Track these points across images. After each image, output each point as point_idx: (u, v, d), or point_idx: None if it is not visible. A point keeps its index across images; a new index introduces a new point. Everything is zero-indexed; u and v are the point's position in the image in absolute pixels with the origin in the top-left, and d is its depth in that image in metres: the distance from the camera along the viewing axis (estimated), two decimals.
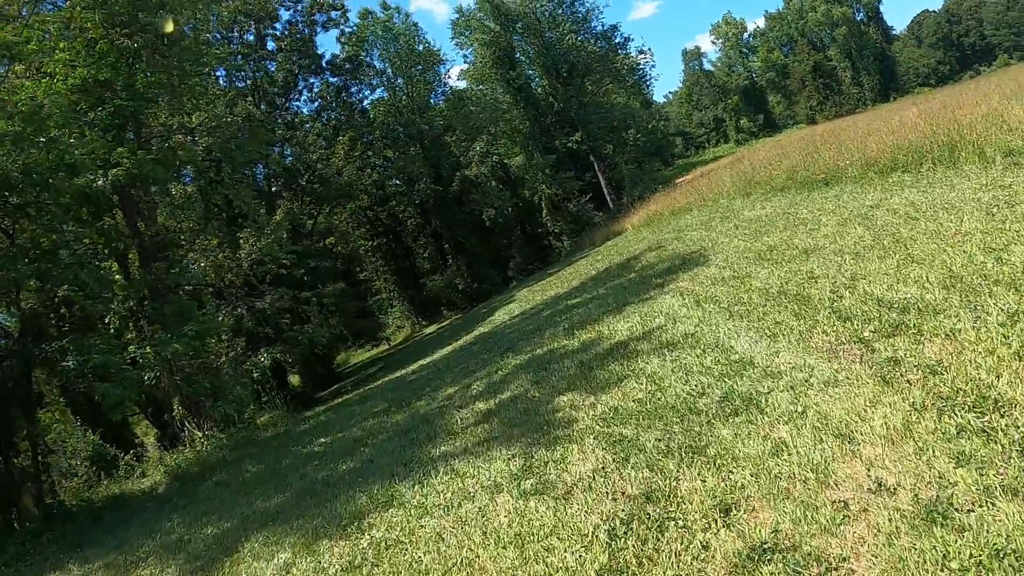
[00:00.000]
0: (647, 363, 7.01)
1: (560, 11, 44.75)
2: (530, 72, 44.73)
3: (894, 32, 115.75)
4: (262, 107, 31.26)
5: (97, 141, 14.29)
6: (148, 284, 17.74)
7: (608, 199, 42.77)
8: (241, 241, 23.33)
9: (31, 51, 11.89)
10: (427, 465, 6.96)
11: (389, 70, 41.93)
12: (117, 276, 17.93)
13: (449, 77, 44.87)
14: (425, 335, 35.02)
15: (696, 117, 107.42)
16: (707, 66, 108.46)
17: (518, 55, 44.18)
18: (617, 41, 46.91)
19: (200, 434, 16.61)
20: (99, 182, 13.83)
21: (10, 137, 10.37)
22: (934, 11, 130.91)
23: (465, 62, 45.53)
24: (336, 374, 33.27)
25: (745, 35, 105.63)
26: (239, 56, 30.42)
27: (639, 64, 48.79)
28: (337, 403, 19.96)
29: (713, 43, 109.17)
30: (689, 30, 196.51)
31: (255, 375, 22.92)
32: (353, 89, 39.17)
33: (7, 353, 12.38)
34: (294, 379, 30.18)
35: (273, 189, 32.49)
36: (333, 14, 34.90)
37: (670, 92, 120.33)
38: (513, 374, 9.54)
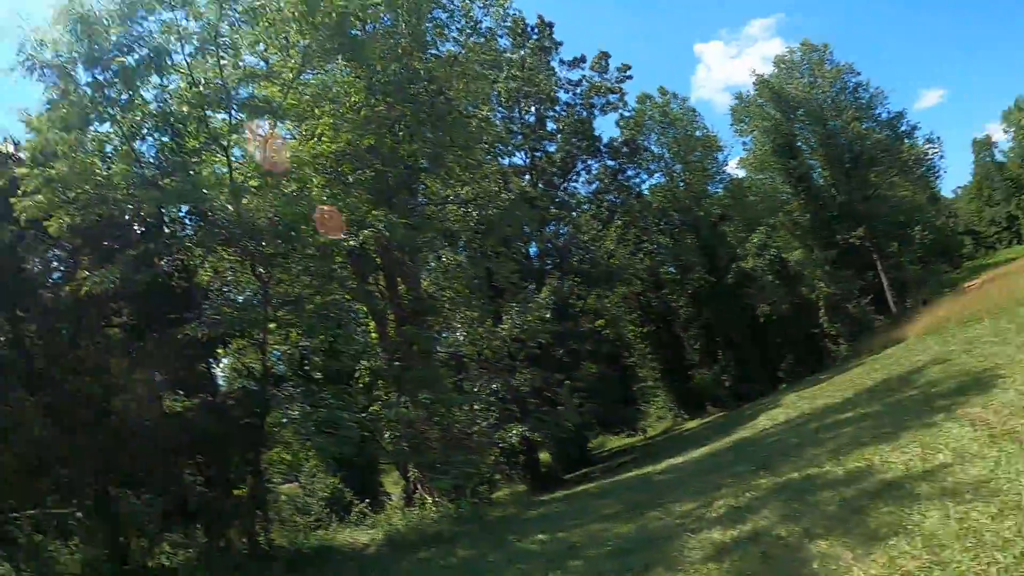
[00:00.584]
0: (925, 515, 5.60)
1: (843, 97, 42.08)
2: (812, 161, 42.64)
3: None
4: (539, 185, 32.06)
5: (358, 201, 14.87)
6: (397, 347, 17.99)
7: (890, 302, 38.45)
8: (503, 315, 23.39)
9: (289, 109, 12.77)
10: None
11: (667, 154, 41.63)
12: (374, 335, 18.52)
13: (727, 166, 43.42)
14: (684, 430, 34.05)
15: (988, 214, 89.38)
16: (999, 157, 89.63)
17: (799, 143, 42.40)
18: (903, 129, 43.08)
19: (430, 500, 15.98)
20: (350, 242, 14.24)
21: (265, 191, 10.96)
22: None
23: (744, 150, 44.93)
24: (588, 457, 32.21)
25: None
26: (519, 135, 31.75)
27: (927, 154, 44.43)
28: (577, 491, 19.62)
29: (1005, 132, 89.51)
30: (978, 118, 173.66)
31: (503, 447, 22.43)
32: (630, 172, 38.92)
33: (245, 394, 12.95)
34: (544, 456, 29.35)
35: (546, 267, 32.79)
36: (611, 97, 35.16)
37: (959, 187, 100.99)
38: (762, 500, 8.47)
